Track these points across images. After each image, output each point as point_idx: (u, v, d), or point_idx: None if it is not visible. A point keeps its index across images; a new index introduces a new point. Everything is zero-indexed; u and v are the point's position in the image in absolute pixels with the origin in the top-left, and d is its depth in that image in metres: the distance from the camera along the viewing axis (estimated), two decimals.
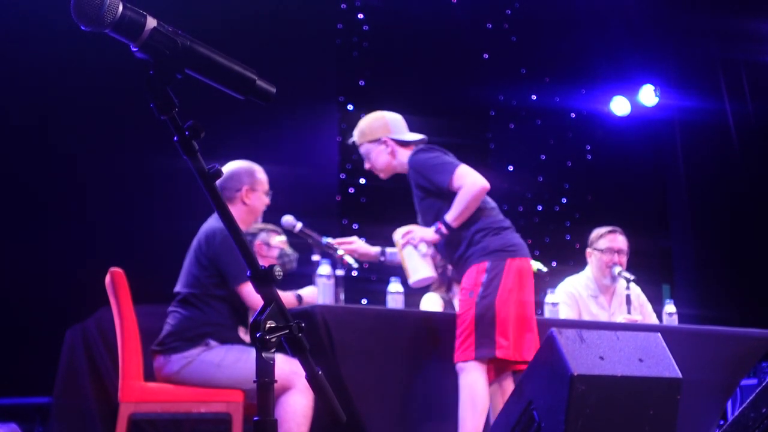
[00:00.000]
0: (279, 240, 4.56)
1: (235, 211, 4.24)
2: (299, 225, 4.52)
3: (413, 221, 4.41)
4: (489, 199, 4.32)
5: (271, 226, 4.61)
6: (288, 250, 4.60)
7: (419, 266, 4.19)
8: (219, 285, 4.11)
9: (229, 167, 4.35)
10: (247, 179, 4.32)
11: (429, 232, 4.20)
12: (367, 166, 4.52)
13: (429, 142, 4.46)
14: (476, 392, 3.97)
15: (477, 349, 3.99)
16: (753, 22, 8.04)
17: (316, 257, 4.53)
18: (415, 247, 4.19)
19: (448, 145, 4.49)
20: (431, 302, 5.20)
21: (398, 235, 4.27)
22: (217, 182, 4.60)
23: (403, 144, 4.44)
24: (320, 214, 6.75)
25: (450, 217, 4.16)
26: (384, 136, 4.42)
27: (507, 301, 4.05)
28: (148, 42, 1.48)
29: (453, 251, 4.25)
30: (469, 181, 4.18)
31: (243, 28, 6.26)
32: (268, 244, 4.54)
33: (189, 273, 4.20)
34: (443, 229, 4.16)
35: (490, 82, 8.14)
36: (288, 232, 4.60)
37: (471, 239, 4.19)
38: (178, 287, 4.22)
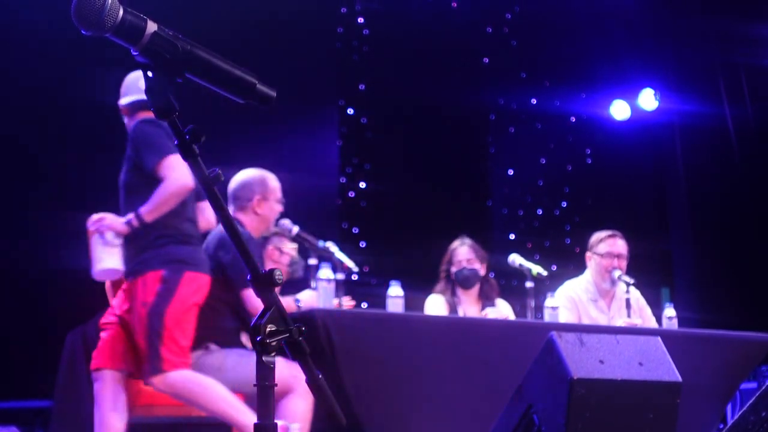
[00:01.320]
0: (291, 247, 4.58)
1: (248, 219, 4.27)
2: (296, 228, 4.53)
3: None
4: (190, 209, 3.95)
5: (278, 229, 4.63)
6: (297, 257, 4.63)
7: (103, 256, 3.75)
8: (224, 289, 4.12)
9: (241, 176, 4.37)
10: (258, 188, 4.33)
11: (119, 223, 3.75)
12: None
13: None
14: (199, 383, 3.72)
15: (156, 361, 3.69)
16: (752, 26, 8.05)
17: (313, 261, 4.55)
18: (102, 235, 3.75)
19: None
20: (436, 305, 5.21)
21: (91, 220, 3.82)
22: (230, 191, 4.55)
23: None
24: (320, 218, 6.76)
25: (145, 209, 3.74)
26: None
27: (178, 314, 3.75)
28: (148, 46, 1.49)
29: (133, 247, 3.83)
30: (174, 175, 3.73)
31: (243, 32, 6.27)
32: (280, 250, 4.56)
33: None
34: (134, 222, 3.74)
35: (490, 86, 8.15)
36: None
37: (153, 241, 3.81)
38: None
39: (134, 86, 4.04)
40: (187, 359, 3.80)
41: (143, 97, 3.95)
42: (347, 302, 4.53)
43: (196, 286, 3.83)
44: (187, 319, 3.81)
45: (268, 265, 4.38)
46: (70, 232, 5.84)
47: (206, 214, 4.15)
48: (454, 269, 5.26)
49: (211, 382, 3.75)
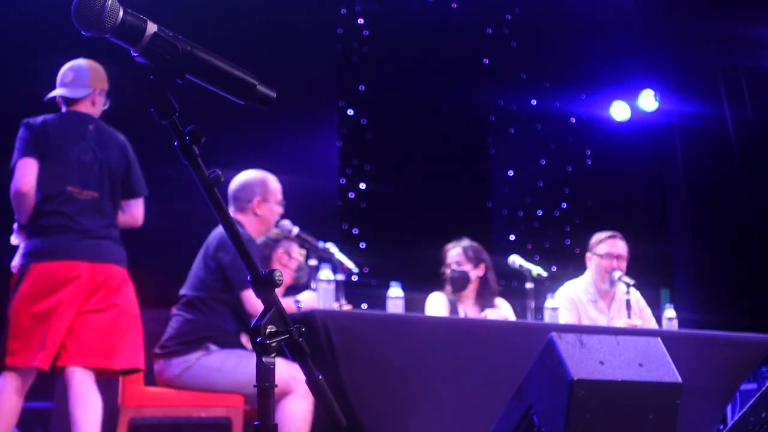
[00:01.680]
0: (300, 252, 4.59)
1: (247, 221, 4.28)
2: (296, 229, 4.54)
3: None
4: (72, 203, 3.86)
5: (282, 232, 4.63)
6: (304, 264, 4.63)
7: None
8: (225, 289, 4.13)
9: (242, 178, 4.37)
10: (259, 190, 4.34)
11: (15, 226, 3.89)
12: None
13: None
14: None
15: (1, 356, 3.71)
16: (753, 28, 8.05)
17: (313, 262, 4.55)
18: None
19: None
20: (436, 302, 5.21)
21: None
22: (230, 193, 4.58)
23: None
24: (320, 219, 6.76)
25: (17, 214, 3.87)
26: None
27: (19, 308, 3.72)
28: (148, 47, 1.49)
29: None
30: (13, 179, 3.81)
31: (243, 32, 6.27)
32: (289, 255, 4.56)
33: (196, 276, 4.22)
34: (16, 226, 3.88)
35: (490, 87, 8.15)
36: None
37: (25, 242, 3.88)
38: (184, 290, 4.24)
39: (59, 80, 4.05)
40: (23, 358, 3.71)
41: (61, 92, 4.03)
42: (345, 305, 4.54)
43: (43, 275, 3.76)
44: (34, 311, 3.73)
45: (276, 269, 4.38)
46: None
47: (133, 211, 4.09)
48: (447, 271, 5.29)
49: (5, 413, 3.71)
